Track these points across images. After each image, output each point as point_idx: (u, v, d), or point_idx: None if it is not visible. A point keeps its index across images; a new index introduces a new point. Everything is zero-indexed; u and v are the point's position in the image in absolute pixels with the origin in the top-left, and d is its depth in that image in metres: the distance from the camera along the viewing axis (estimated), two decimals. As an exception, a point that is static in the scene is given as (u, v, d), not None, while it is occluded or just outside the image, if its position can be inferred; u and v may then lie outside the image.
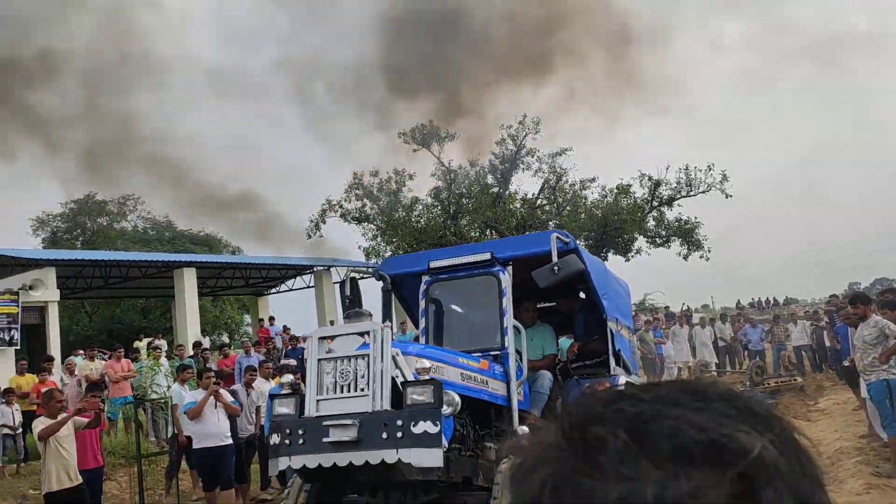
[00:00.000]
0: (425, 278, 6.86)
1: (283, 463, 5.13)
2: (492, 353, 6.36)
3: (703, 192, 26.96)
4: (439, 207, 27.42)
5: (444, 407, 4.97)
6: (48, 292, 16.95)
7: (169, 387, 12.03)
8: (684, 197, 27.39)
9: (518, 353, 6.48)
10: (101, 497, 8.38)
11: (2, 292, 15.83)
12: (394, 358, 5.11)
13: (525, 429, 5.84)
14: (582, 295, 8.02)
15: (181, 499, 9.67)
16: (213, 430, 8.50)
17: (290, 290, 26.09)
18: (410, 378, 5.08)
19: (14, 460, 11.54)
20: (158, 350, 14.52)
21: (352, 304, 6.57)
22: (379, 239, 27.24)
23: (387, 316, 7.35)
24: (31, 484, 10.39)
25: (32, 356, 14.94)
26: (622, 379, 6.90)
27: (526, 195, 28.16)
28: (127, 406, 12.80)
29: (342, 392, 5.10)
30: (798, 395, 14.27)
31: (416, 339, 7.45)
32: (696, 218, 27.63)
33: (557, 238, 6.31)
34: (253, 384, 9.87)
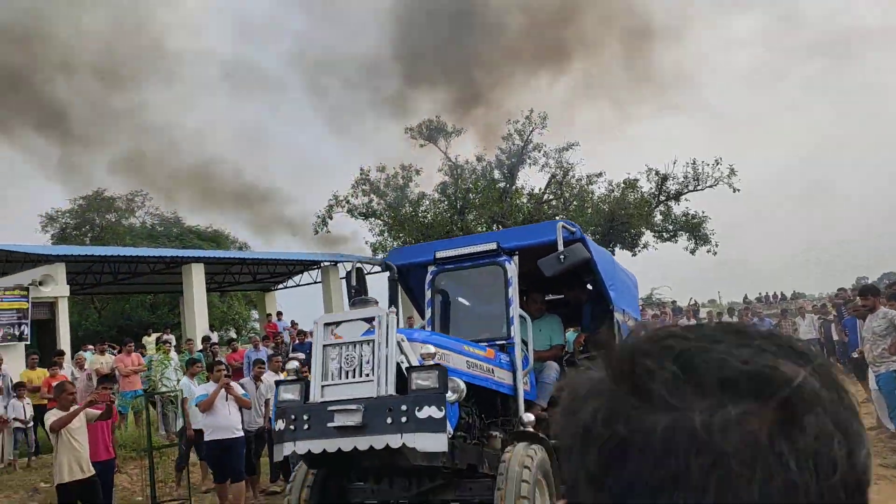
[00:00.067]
0: (431, 268, 6.87)
1: (287, 448, 5.14)
2: (498, 342, 6.36)
3: (711, 186, 26.89)
4: (446, 203, 27.42)
5: (450, 393, 4.97)
6: (58, 288, 17.05)
7: (178, 380, 12.10)
8: (692, 191, 27.32)
9: (524, 342, 6.47)
10: (112, 489, 8.43)
11: (12, 288, 15.92)
12: (399, 344, 5.11)
13: (531, 416, 5.86)
14: (589, 287, 8.02)
15: (191, 491, 9.74)
16: (225, 423, 8.53)
17: (298, 285, 26.17)
18: (415, 364, 5.08)
19: (25, 453, 11.63)
20: (168, 344, 14.60)
21: (357, 293, 6.60)
22: (386, 234, 27.29)
23: (393, 304, 7.37)
24: (42, 477, 10.48)
25: (42, 351, 15.05)
26: None
27: (532, 190, 28.16)
28: (137, 399, 12.89)
29: (347, 378, 5.11)
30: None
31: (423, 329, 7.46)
32: (703, 212, 27.59)
33: (564, 227, 6.30)
34: (262, 377, 9.92)
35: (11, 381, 12.21)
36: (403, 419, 4.79)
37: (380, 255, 25.03)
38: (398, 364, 5.08)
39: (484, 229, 26.04)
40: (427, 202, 27.59)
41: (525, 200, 27.30)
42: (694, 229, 27.47)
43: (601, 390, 0.54)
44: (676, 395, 0.50)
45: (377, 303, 5.53)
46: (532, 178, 42.21)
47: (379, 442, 4.81)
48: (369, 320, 5.20)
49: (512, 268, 6.47)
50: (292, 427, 5.10)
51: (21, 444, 11.66)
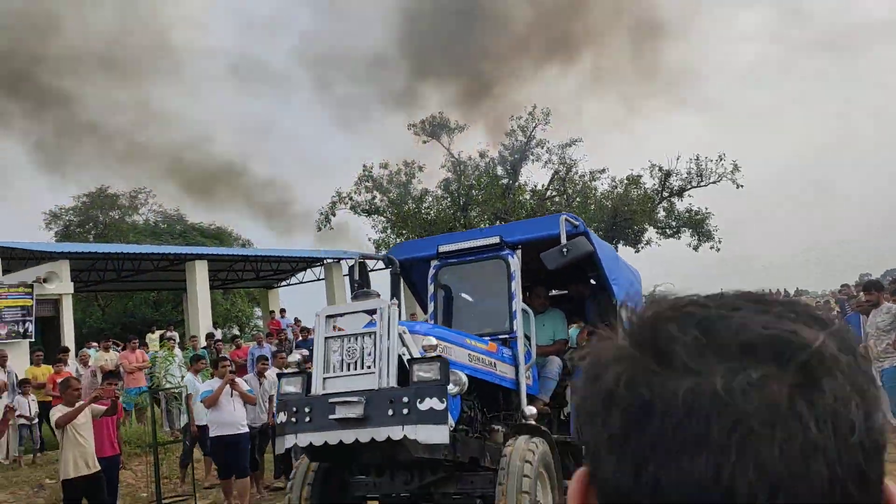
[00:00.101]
0: (434, 263, 6.86)
1: (289, 441, 5.14)
2: (500, 336, 6.35)
3: (714, 182, 26.85)
4: (449, 199, 27.42)
5: (451, 386, 4.97)
6: (62, 285, 17.10)
7: (182, 377, 12.13)
8: (695, 187, 27.27)
9: (527, 337, 6.46)
10: (117, 485, 8.46)
11: (16, 285, 15.97)
12: (401, 336, 5.11)
13: (533, 410, 5.86)
14: (592, 282, 8.01)
15: (195, 487, 9.77)
16: (230, 419, 8.55)
17: (301, 282, 26.19)
18: (417, 356, 5.07)
19: (30, 450, 11.67)
20: (172, 341, 14.63)
21: (360, 287, 6.61)
22: (389, 231, 27.29)
23: (395, 296, 7.36)
24: (47, 473, 10.52)
25: (47, 348, 15.08)
26: None
27: (536, 186, 28.15)
28: (141, 396, 12.92)
29: (349, 370, 5.11)
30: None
31: None
32: (706, 209, 27.54)
33: (567, 221, 6.29)
34: (265, 373, 9.94)
35: (16, 377, 12.26)
36: (405, 411, 4.78)
37: (383, 252, 25.06)
38: (400, 356, 5.08)
39: (487, 226, 26.05)
40: (430, 199, 27.60)
41: (528, 197, 27.28)
42: (697, 226, 27.43)
43: (624, 356, 0.55)
44: (698, 359, 0.51)
45: (379, 295, 5.53)
46: (535, 175, 42.08)
47: (380, 434, 4.80)
48: (371, 312, 5.21)
49: (515, 262, 6.45)
50: (294, 419, 5.10)
51: (26, 441, 11.70)
